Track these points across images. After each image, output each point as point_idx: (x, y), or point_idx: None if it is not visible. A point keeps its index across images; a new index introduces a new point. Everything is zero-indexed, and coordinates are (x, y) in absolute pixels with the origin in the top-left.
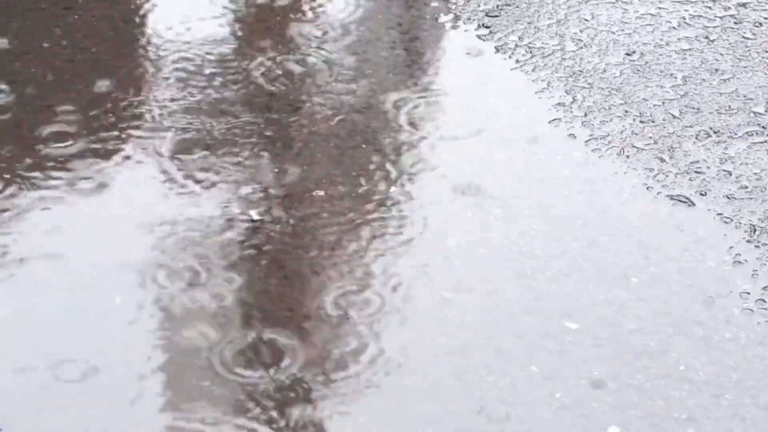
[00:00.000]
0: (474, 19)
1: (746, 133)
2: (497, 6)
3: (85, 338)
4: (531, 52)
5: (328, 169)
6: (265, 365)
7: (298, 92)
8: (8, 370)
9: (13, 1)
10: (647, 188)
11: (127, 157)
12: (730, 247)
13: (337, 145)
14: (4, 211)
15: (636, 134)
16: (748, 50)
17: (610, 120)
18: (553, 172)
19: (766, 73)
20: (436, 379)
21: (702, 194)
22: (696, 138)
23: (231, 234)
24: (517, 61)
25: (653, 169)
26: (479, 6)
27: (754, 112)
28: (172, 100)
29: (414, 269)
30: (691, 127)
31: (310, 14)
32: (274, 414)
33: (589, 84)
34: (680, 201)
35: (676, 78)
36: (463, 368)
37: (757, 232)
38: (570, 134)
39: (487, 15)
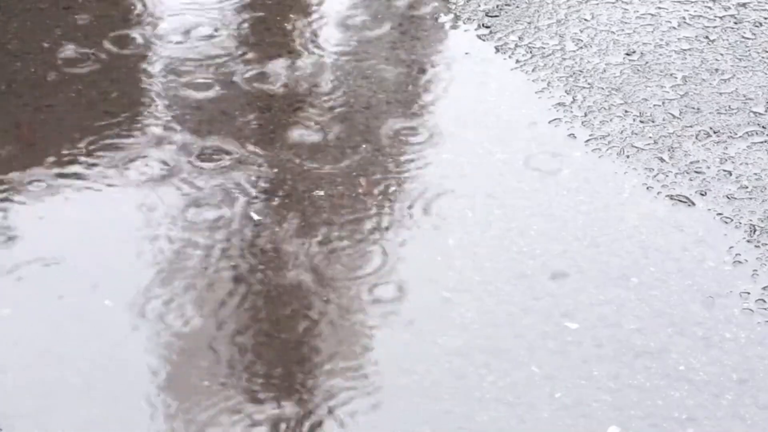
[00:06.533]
0: (474, 19)
1: (746, 133)
2: (497, 6)
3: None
4: (531, 52)
5: (328, 170)
6: (266, 367)
7: (298, 92)
8: (8, 370)
9: (13, 1)
10: (647, 188)
11: (127, 158)
12: (730, 247)
13: (336, 145)
14: (4, 210)
15: (636, 134)
16: (748, 50)
17: (610, 120)
18: (553, 172)
19: (766, 73)
20: (436, 379)
21: (702, 194)
22: (696, 138)
23: (231, 234)
24: (517, 61)
25: (653, 169)
26: (479, 6)
27: (754, 112)
28: (173, 99)
29: (414, 269)
30: (691, 127)
31: (310, 14)
32: (275, 416)
33: (589, 84)
34: (680, 201)
35: (676, 78)
36: (463, 368)
37: (757, 232)
38: (570, 134)
39: (487, 15)
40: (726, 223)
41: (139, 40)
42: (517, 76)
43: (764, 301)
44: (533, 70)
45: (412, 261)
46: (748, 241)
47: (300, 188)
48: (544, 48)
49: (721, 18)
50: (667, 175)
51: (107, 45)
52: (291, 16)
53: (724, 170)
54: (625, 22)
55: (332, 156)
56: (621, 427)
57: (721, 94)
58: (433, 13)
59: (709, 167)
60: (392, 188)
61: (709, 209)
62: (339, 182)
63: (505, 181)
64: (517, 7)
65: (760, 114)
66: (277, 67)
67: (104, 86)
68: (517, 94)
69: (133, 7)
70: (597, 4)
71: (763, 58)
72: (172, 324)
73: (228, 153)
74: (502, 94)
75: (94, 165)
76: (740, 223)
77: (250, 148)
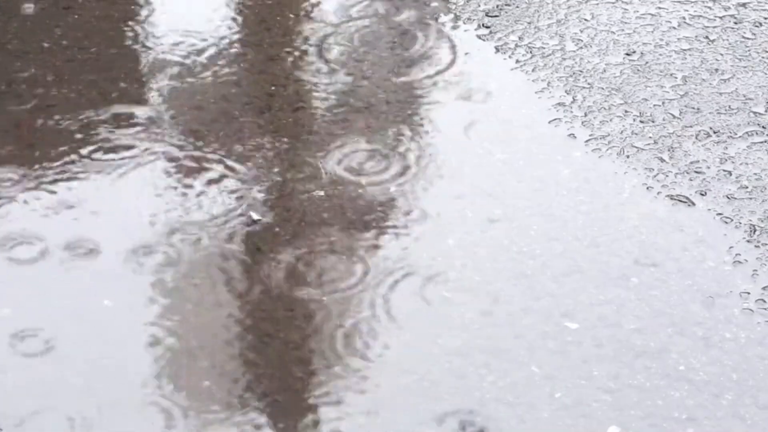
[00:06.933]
0: (474, 19)
1: (746, 133)
2: (497, 6)
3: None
4: (531, 52)
5: (328, 169)
6: (266, 367)
7: (298, 92)
8: (8, 370)
9: (14, 1)
10: (647, 188)
11: (126, 159)
12: (730, 247)
13: (336, 144)
14: (4, 211)
15: (636, 134)
16: (748, 50)
17: (610, 120)
18: (553, 172)
19: (766, 73)
20: (436, 379)
21: (702, 194)
22: (696, 138)
23: (231, 234)
24: (517, 61)
25: (653, 169)
26: (479, 6)
27: (754, 112)
28: (172, 99)
29: (414, 269)
30: (691, 127)
31: (310, 14)
32: (276, 416)
33: (589, 84)
34: (680, 201)
35: (676, 78)
36: (463, 368)
37: (757, 232)
38: (570, 134)
39: (487, 15)
40: (726, 223)
41: (140, 40)
42: (517, 76)
43: (764, 301)
44: (533, 70)
45: (412, 261)
46: (748, 241)
47: (300, 188)
48: (544, 48)
49: (721, 18)
50: (667, 175)
51: (107, 45)
52: (291, 16)
53: (724, 170)
54: (625, 22)
55: (332, 156)
56: (621, 427)
57: (721, 94)
58: (433, 13)
59: (709, 167)
60: (392, 188)
61: (709, 209)
62: (339, 182)
63: (505, 181)
64: (517, 7)
65: (760, 114)
66: (277, 67)
67: (104, 86)
68: (517, 94)
69: (133, 8)
70: (597, 4)
71: (763, 58)
72: (172, 324)
73: (228, 153)
74: (502, 94)
75: (95, 163)
76: (740, 223)
77: (250, 148)
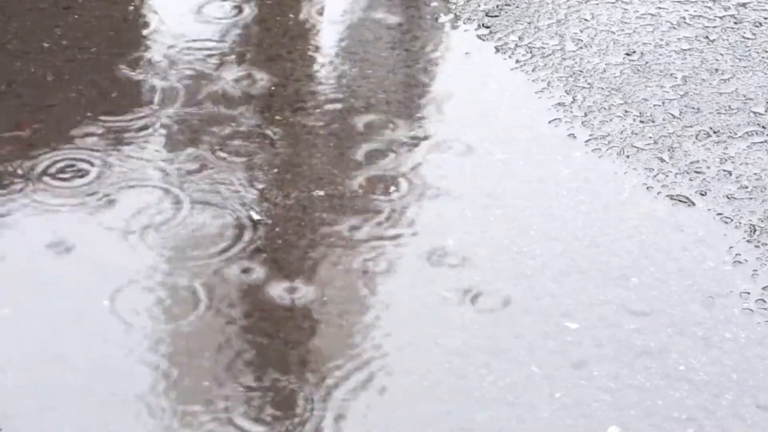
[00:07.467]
0: (474, 19)
1: (746, 133)
2: (497, 6)
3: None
4: (531, 52)
5: (328, 169)
6: (266, 367)
7: (298, 92)
8: (8, 370)
9: (13, 1)
10: (647, 188)
11: (126, 159)
12: (730, 247)
13: (337, 145)
14: (4, 212)
15: (636, 134)
16: (748, 50)
17: (610, 120)
18: (553, 172)
19: (766, 73)
20: (436, 379)
21: (702, 194)
22: (696, 138)
23: (231, 235)
24: (517, 61)
25: (653, 169)
26: (479, 6)
27: (754, 112)
28: (172, 99)
29: (414, 269)
30: (691, 127)
31: (310, 15)
32: (274, 417)
33: (589, 84)
34: (680, 201)
35: (676, 78)
36: (463, 368)
37: (757, 232)
38: (570, 134)
39: (487, 15)
40: (726, 223)
41: (140, 40)
42: (517, 76)
43: (764, 301)
44: (533, 70)
45: (413, 261)
46: (748, 241)
47: (300, 188)
48: (544, 48)
49: (721, 18)
50: (667, 175)
51: (107, 45)
52: (291, 16)
53: (724, 170)
54: (625, 22)
55: (332, 156)
56: (621, 427)
57: (721, 94)
58: (433, 13)
59: (709, 167)
60: (392, 188)
61: (709, 209)
62: (339, 182)
63: (505, 181)
64: (517, 7)
65: (760, 114)
66: (277, 67)
67: (104, 86)
68: (517, 94)
69: (133, 8)
70: (597, 4)
71: (763, 58)
72: (173, 323)
73: (227, 153)
74: (502, 94)
75: (97, 162)
76: (740, 223)
77: (250, 148)
